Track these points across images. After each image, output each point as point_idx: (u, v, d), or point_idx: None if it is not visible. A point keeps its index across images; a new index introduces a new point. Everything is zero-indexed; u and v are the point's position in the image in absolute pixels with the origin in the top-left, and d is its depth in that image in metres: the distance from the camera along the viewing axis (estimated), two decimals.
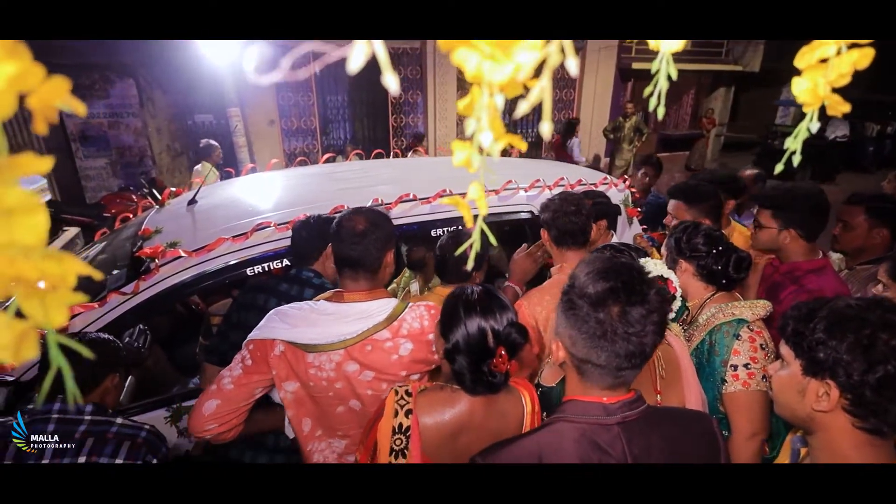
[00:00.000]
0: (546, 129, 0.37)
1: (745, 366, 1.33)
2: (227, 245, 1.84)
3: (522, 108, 0.37)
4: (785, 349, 0.90)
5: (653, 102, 0.43)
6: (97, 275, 0.30)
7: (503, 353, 1.04)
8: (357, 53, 0.33)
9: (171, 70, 6.59)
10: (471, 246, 0.41)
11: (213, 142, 4.89)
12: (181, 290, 1.81)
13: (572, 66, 0.35)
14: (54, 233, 4.82)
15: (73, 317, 1.67)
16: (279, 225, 1.92)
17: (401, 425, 1.05)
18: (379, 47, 0.34)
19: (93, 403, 1.35)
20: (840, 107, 0.43)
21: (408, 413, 1.06)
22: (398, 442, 1.05)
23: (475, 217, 0.42)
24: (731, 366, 1.34)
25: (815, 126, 0.45)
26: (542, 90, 0.35)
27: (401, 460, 1.04)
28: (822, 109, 0.45)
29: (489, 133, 0.38)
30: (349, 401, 1.27)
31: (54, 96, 0.29)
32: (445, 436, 1.08)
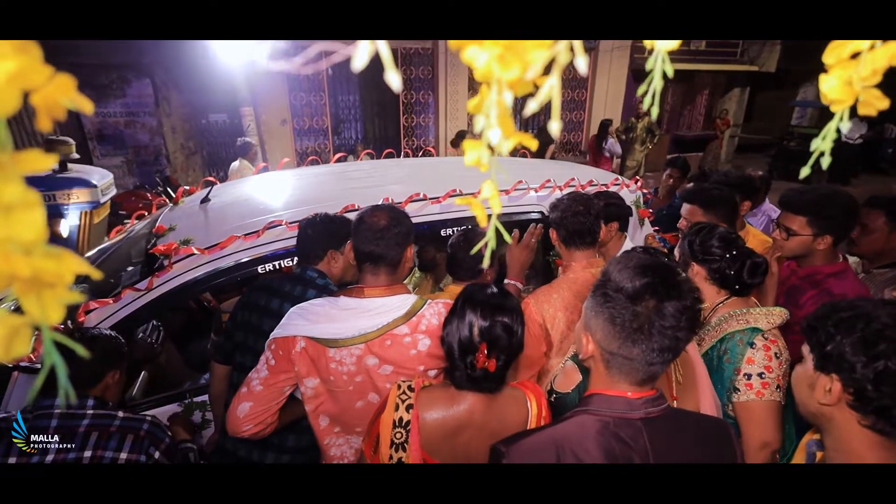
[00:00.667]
0: (555, 127, 0.36)
1: (760, 375, 1.29)
2: (238, 243, 1.86)
3: (531, 107, 0.36)
4: (804, 345, 0.92)
5: (647, 101, 0.42)
6: (96, 274, 0.30)
7: (485, 349, 1.04)
8: (361, 52, 0.33)
9: (185, 70, 6.68)
10: (486, 244, 0.41)
11: (249, 139, 5.13)
12: (194, 287, 1.82)
13: (581, 64, 0.34)
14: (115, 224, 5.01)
15: (88, 312, 1.70)
16: (290, 223, 1.93)
17: (401, 419, 1.07)
18: (382, 46, 0.33)
19: (94, 397, 1.35)
20: (878, 103, 0.40)
21: (408, 408, 1.07)
22: (398, 435, 1.07)
23: (489, 216, 0.43)
24: (745, 374, 1.30)
25: (844, 126, 0.43)
26: (551, 88, 0.35)
27: (401, 453, 1.06)
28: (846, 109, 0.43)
29: (497, 130, 0.37)
30: (368, 394, 1.28)
31: (60, 94, 0.29)
32: (445, 433, 1.09)
